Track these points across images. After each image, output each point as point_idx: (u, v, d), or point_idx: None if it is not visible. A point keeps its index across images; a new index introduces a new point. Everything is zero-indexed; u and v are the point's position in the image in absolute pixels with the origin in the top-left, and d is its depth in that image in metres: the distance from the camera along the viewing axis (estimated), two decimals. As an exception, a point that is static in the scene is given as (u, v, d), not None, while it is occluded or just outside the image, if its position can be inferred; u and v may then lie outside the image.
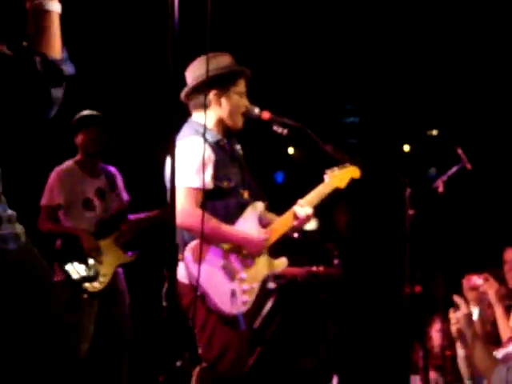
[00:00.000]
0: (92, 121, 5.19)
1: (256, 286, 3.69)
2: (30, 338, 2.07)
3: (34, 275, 2.13)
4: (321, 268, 5.53)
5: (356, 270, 7.07)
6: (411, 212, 4.27)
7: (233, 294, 3.55)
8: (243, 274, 3.64)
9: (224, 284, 3.57)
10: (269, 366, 5.33)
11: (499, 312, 4.32)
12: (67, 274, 4.92)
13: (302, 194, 4.09)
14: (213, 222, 3.55)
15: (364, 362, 6.71)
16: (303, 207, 3.90)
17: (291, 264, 5.53)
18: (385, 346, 6.65)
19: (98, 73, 6.33)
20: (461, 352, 4.07)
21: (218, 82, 3.72)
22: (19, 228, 2.15)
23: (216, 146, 3.71)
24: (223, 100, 3.75)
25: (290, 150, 9.15)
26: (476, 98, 7.97)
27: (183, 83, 3.76)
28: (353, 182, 8.13)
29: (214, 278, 3.55)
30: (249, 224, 3.74)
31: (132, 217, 5.26)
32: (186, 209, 3.48)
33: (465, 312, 3.80)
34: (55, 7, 2.09)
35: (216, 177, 3.64)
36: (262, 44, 6.92)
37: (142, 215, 5.28)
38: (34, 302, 2.08)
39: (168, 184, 3.52)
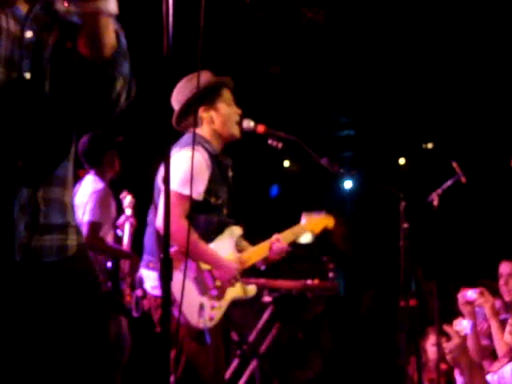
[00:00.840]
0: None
1: (224, 305, 3.67)
2: (69, 355, 1.95)
3: (79, 289, 2.00)
4: (316, 281, 5.52)
5: (352, 283, 7.07)
6: (405, 225, 4.28)
7: (201, 307, 3.52)
8: (214, 291, 3.62)
9: (194, 296, 3.54)
10: (264, 379, 5.31)
11: (495, 326, 4.31)
12: (119, 292, 5.05)
13: (297, 207, 4.12)
14: (194, 237, 3.53)
15: (360, 376, 6.70)
16: (280, 241, 3.90)
17: (286, 277, 5.56)
18: (380, 359, 6.64)
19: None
20: (459, 379, 4.06)
21: (203, 99, 3.74)
22: (72, 239, 2.02)
23: (214, 160, 3.72)
24: (213, 113, 3.76)
25: (286, 163, 9.18)
26: (471, 112, 8.01)
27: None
28: (349, 195, 8.11)
29: (186, 287, 3.48)
30: (225, 246, 3.74)
31: None
32: (172, 215, 3.39)
33: (457, 342, 3.81)
34: (114, 8, 1.91)
35: (206, 190, 3.63)
36: (257, 58, 6.95)
37: None
38: (75, 317, 1.97)
39: (160, 188, 3.57)
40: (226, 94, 3.81)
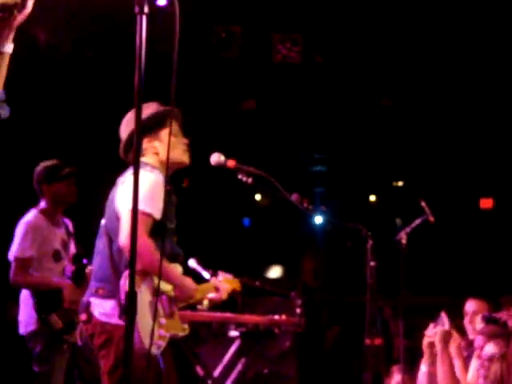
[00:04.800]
0: (73, 172, 5.18)
1: (168, 336, 3.64)
2: None
3: None
4: (283, 317, 5.51)
5: (319, 319, 7.07)
6: (373, 263, 4.30)
7: (152, 332, 3.52)
8: (163, 320, 3.62)
9: (148, 320, 3.50)
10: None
11: (459, 365, 4.33)
12: (48, 325, 4.88)
13: (268, 238, 4.16)
14: (158, 255, 3.49)
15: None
16: (224, 283, 4.00)
17: (254, 312, 5.55)
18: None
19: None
20: (424, 368, 4.09)
21: (146, 130, 3.76)
22: None
23: (166, 186, 3.73)
24: (157, 144, 3.80)
25: (258, 197, 9.21)
26: (442, 152, 8.12)
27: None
28: (319, 230, 8.12)
29: (142, 310, 3.47)
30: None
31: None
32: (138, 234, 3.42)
33: (446, 329, 3.98)
34: (9, 49, 2.07)
35: (163, 213, 3.63)
36: (231, 93, 7.00)
37: None
38: None
39: (117, 212, 3.59)
40: (172, 124, 3.86)
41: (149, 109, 3.79)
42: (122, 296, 3.39)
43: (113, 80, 6.20)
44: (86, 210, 5.38)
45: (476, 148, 7.90)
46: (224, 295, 4.00)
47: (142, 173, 3.60)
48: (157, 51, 3.82)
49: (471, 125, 7.63)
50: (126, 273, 3.48)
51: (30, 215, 5.03)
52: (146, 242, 3.44)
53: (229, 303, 4.33)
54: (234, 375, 5.44)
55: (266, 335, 5.49)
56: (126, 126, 3.78)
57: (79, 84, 6.63)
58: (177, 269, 3.74)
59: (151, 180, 3.60)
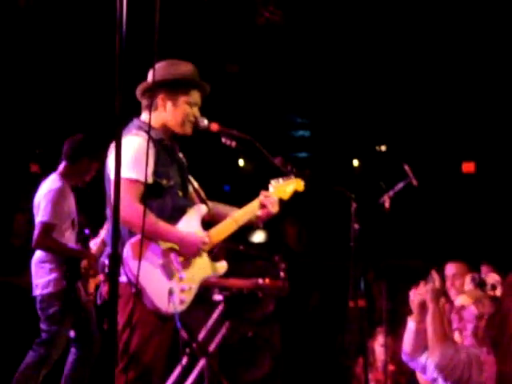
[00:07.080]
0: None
1: (194, 286, 3.65)
2: None
3: None
4: (267, 280, 5.53)
5: (302, 282, 7.11)
6: (356, 226, 4.32)
7: (170, 292, 3.52)
8: (182, 274, 3.60)
9: (162, 282, 3.53)
10: (213, 378, 5.31)
11: (431, 311, 4.32)
12: (75, 291, 5.06)
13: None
14: (150, 218, 3.49)
15: (308, 376, 6.74)
16: (268, 196, 3.98)
17: (238, 276, 5.56)
18: (328, 359, 6.69)
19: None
20: (411, 325, 4.09)
21: (167, 87, 3.73)
22: None
23: (158, 144, 3.70)
24: (168, 105, 3.76)
25: (241, 162, 9.19)
26: (424, 116, 8.12)
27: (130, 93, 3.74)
28: (302, 195, 8.17)
29: (152, 275, 3.51)
30: (190, 225, 3.72)
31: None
32: (125, 201, 3.21)
33: (437, 287, 3.97)
34: None
35: (155, 173, 3.61)
36: (214, 56, 6.94)
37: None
38: None
39: (111, 177, 3.57)
40: (195, 95, 3.82)
41: (181, 67, 3.76)
42: (126, 268, 3.40)
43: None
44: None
45: (458, 112, 7.91)
46: (274, 208, 3.99)
47: (127, 138, 3.59)
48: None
49: (453, 89, 7.63)
50: (129, 241, 3.49)
51: (57, 182, 5.12)
52: (133, 209, 3.43)
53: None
54: (217, 339, 5.47)
55: (249, 299, 5.51)
56: (155, 71, 3.58)
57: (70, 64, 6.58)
58: (180, 225, 3.67)
59: (135, 144, 3.57)
